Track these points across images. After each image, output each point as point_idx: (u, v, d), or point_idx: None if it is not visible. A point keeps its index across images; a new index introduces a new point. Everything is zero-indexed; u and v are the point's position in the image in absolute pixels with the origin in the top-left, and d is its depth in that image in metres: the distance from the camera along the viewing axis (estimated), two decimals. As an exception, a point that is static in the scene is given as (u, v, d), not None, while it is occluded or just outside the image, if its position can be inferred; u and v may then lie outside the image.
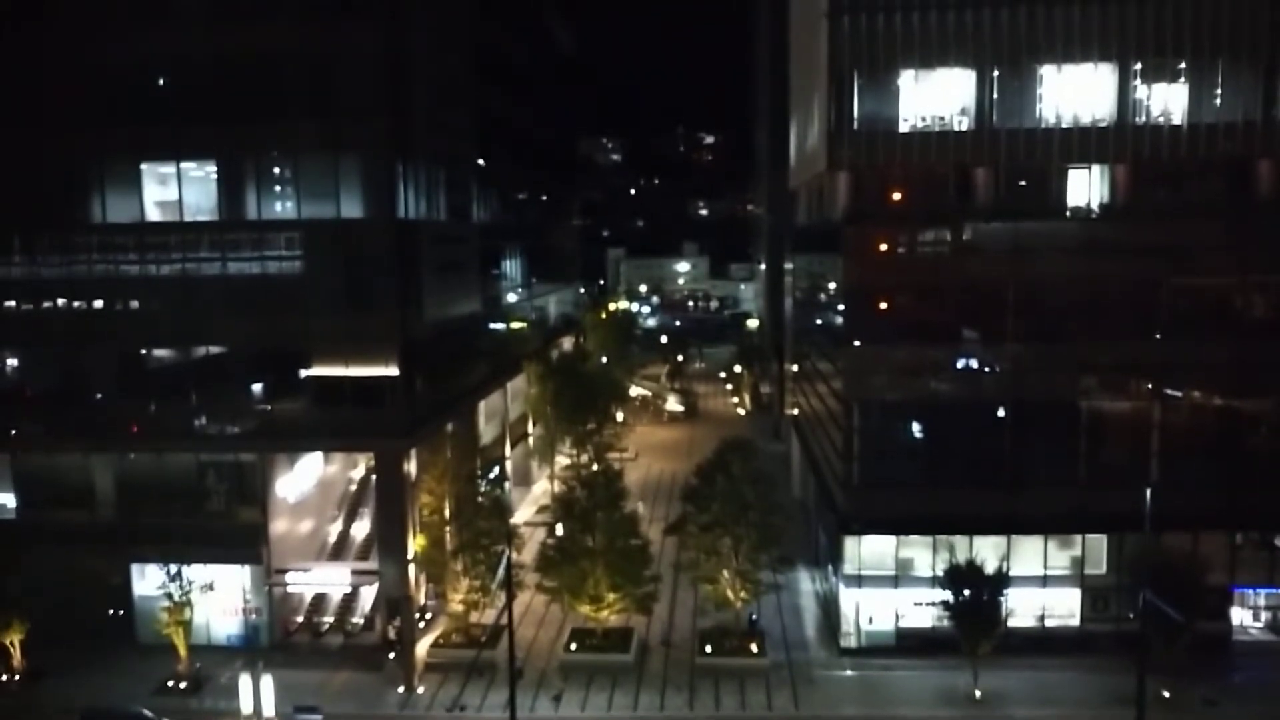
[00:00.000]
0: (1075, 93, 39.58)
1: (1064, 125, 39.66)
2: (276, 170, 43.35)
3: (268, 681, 37.51)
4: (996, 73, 39.52)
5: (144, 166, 43.55)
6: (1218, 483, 39.99)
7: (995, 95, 39.61)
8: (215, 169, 43.20)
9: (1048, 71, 39.55)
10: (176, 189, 43.47)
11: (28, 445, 44.53)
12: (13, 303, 45.06)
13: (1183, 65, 39.10)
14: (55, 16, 42.61)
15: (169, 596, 40.90)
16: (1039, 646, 41.01)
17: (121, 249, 44.04)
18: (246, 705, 37.54)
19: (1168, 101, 39.39)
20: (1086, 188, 40.42)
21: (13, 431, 44.28)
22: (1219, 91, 39.15)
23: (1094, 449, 40.94)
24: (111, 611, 44.08)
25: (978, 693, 38.07)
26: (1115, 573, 41.21)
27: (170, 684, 40.10)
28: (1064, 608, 41.77)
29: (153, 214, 43.77)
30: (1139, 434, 40.89)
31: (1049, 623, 41.76)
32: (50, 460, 44.93)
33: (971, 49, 39.47)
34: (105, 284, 44.20)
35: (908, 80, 40.08)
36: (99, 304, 44.60)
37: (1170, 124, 39.33)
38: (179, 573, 41.02)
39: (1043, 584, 41.58)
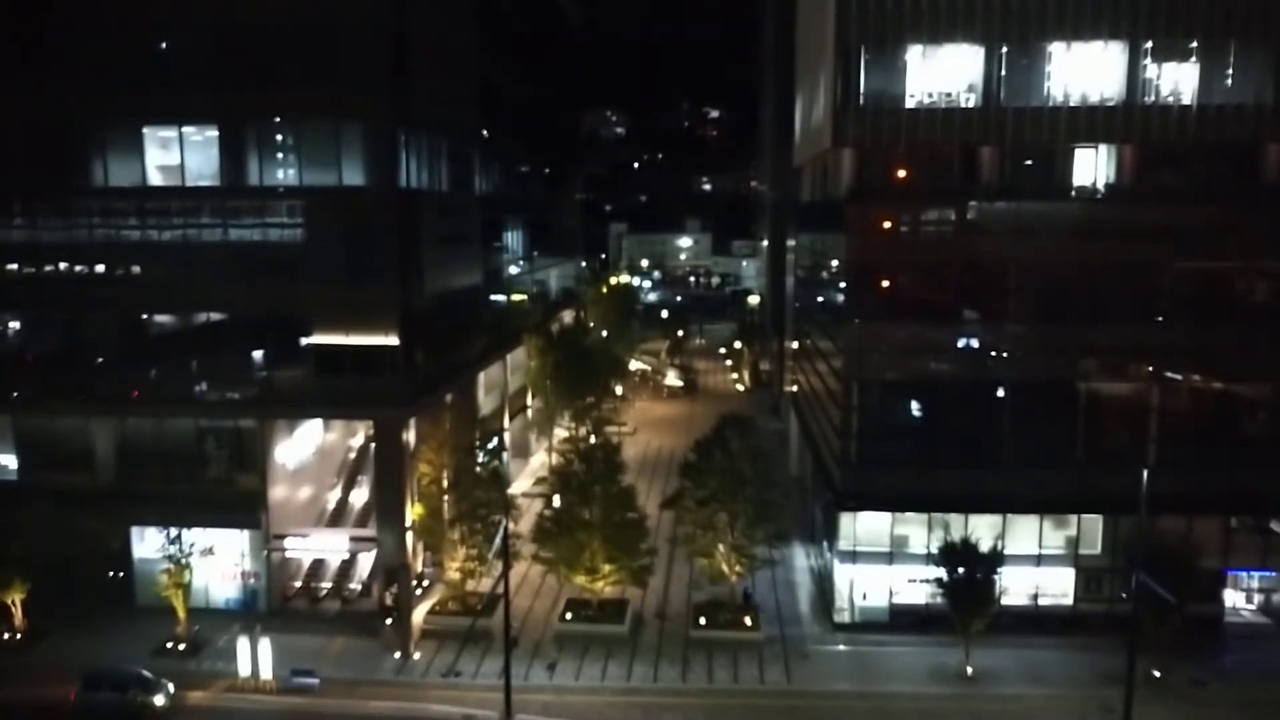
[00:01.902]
0: (1084, 71, 39.34)
1: (1072, 104, 39.44)
2: (279, 137, 43.17)
3: (265, 645, 37.91)
4: (1005, 50, 39.25)
5: (146, 130, 43.38)
6: (1215, 466, 40.10)
7: (1003, 73, 39.37)
8: (217, 134, 43.01)
9: (1057, 49, 39.29)
10: (178, 153, 43.32)
11: (29, 408, 44.62)
12: (14, 266, 45.03)
13: (1194, 45, 38.82)
14: (58, -23, 42.30)
15: (169, 560, 41.13)
16: (1032, 625, 41.31)
17: (123, 213, 43.96)
18: (244, 668, 37.97)
19: (1178, 82, 39.15)
20: (1092, 168, 40.27)
21: (14, 394, 44.36)
22: (1230, 73, 38.90)
23: (1092, 431, 41.03)
24: (111, 574, 44.37)
25: (969, 670, 38.40)
26: (1110, 554, 41.43)
27: (169, 646, 40.45)
28: (1057, 587, 42.04)
29: (154, 178, 43.66)
30: (1137, 416, 40.97)
31: (1042, 602, 42.03)
32: (51, 423, 45.07)
33: (980, 25, 39.18)
34: (107, 248, 44.14)
35: (915, 56, 39.83)
36: (100, 269, 44.57)
37: (1180, 105, 39.11)
38: (178, 536, 41.24)
39: (1037, 563, 41.82)
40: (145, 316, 45.38)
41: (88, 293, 44.31)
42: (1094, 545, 41.82)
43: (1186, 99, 39.20)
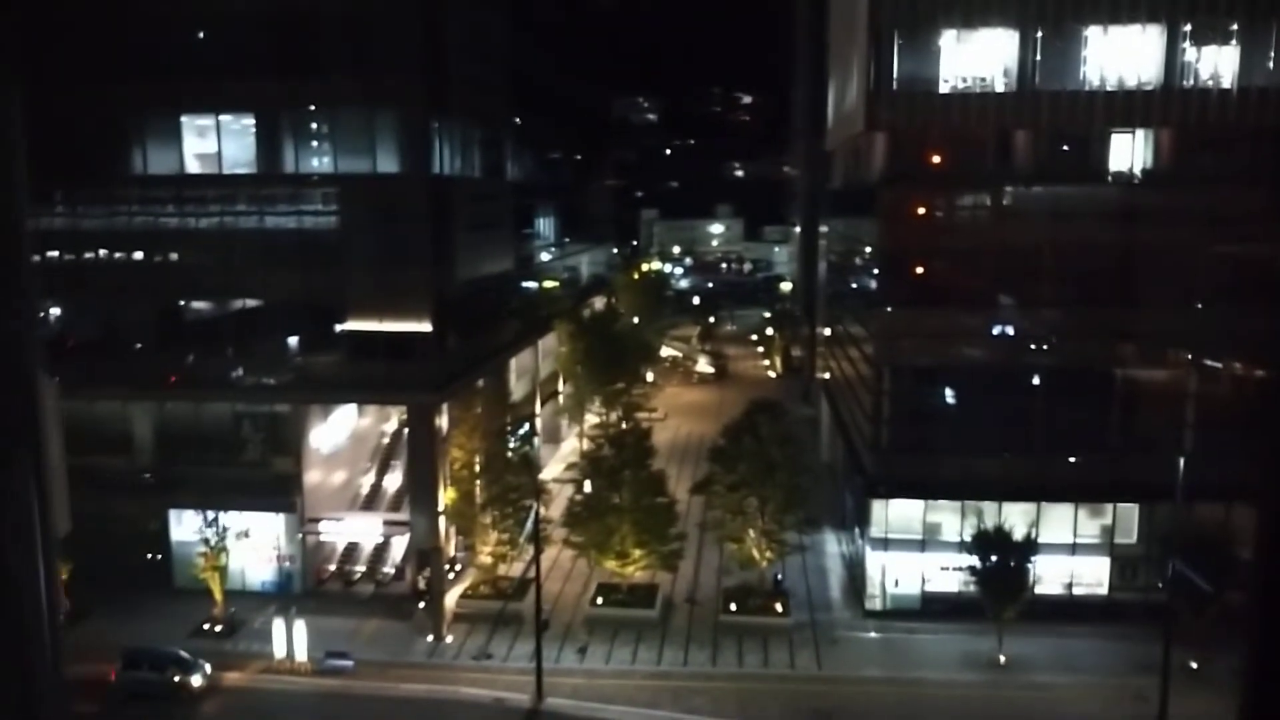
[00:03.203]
0: (1121, 55, 38.71)
1: (1108, 88, 38.84)
2: (314, 125, 43.60)
3: (300, 627, 38.44)
4: (1040, 33, 38.71)
5: (184, 119, 43.95)
6: (1252, 454, 39.38)
7: (1038, 56, 38.83)
8: (254, 123, 43.48)
9: (1093, 32, 38.68)
10: (216, 142, 43.86)
11: (69, 393, 45.33)
12: (55, 253, 45.83)
13: (1235, 27, 38.06)
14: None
15: (205, 543, 41.79)
16: (1065, 614, 40.89)
17: (161, 201, 44.60)
18: (280, 650, 38.53)
19: (1218, 65, 38.43)
20: (1129, 152, 39.68)
21: (55, 379, 45.08)
22: (1272, 55, 38.09)
23: (1127, 417, 40.54)
24: (149, 556, 45.17)
25: (1002, 658, 38.17)
26: (1145, 542, 40.96)
27: (206, 627, 41.16)
28: (1092, 576, 41.62)
29: (192, 166, 44.24)
30: (1174, 403, 40.41)
31: (1076, 590, 41.64)
32: (91, 408, 45.84)
33: (1014, 8, 38.66)
34: (145, 236, 44.82)
35: (949, 40, 39.39)
36: (139, 256, 45.25)
37: (1219, 88, 38.38)
38: (215, 520, 41.89)
39: (1071, 552, 41.42)
40: (183, 303, 46.04)
41: (126, 279, 45.00)
42: (1129, 533, 41.35)
43: (1226, 82, 38.44)
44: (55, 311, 47.05)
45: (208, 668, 37.38)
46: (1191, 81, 38.53)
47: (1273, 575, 3.20)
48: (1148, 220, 39.34)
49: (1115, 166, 39.90)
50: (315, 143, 43.63)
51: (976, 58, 39.31)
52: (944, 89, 39.57)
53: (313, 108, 43.29)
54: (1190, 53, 38.39)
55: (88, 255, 45.65)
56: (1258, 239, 39.36)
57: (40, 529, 4.03)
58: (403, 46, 41.82)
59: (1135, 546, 41.24)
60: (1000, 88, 39.25)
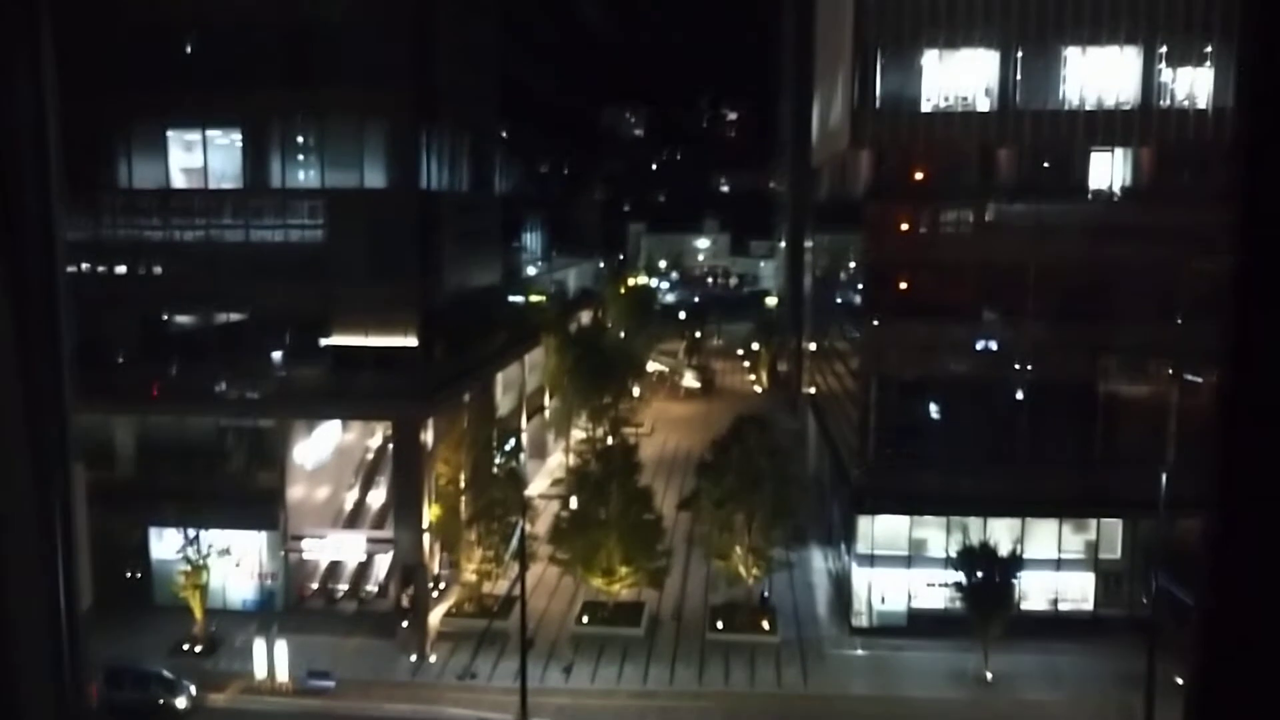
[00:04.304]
0: (1100, 75, 39.10)
1: (1088, 107, 39.21)
2: (301, 139, 43.48)
3: (282, 646, 38.07)
4: (1020, 53, 39.06)
5: (170, 133, 43.75)
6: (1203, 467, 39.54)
7: (1019, 75, 39.18)
8: (240, 136, 43.34)
9: (1072, 53, 39.05)
10: (202, 156, 43.68)
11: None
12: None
13: (1209, 49, 38.47)
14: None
15: (187, 560, 41.38)
16: (1051, 630, 40.89)
17: (146, 213, 44.36)
18: (261, 668, 38.13)
19: (1193, 84, 38.83)
20: (1109, 169, 40.02)
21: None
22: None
23: (1111, 431, 40.73)
24: (129, 573, 44.67)
25: (988, 674, 38.15)
26: (1130, 557, 41.10)
27: (186, 646, 40.65)
28: (1077, 591, 41.74)
29: (178, 180, 44.06)
30: (1157, 417, 40.62)
31: (1062, 606, 41.74)
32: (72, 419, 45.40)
33: (996, 29, 39.01)
34: (129, 248, 44.53)
35: (932, 59, 39.70)
36: (122, 268, 44.97)
37: (1195, 108, 38.78)
38: (197, 537, 41.50)
39: (1056, 567, 41.54)
40: (167, 315, 45.74)
41: (110, 292, 44.67)
42: (1114, 549, 41.52)
43: (1201, 102, 38.83)
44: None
45: (193, 689, 36.85)
46: (1168, 101, 38.91)
47: (1221, 588, 3.16)
48: (1127, 236, 39.64)
49: (1095, 184, 40.21)
50: (302, 156, 43.53)
51: (959, 77, 39.65)
52: (927, 107, 39.86)
53: (300, 121, 43.19)
54: (1166, 73, 38.78)
55: (70, 267, 45.24)
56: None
57: (65, 600, 3.87)
58: (391, 60, 41.78)
59: (1120, 561, 41.40)
60: (982, 106, 39.56)
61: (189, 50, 43.33)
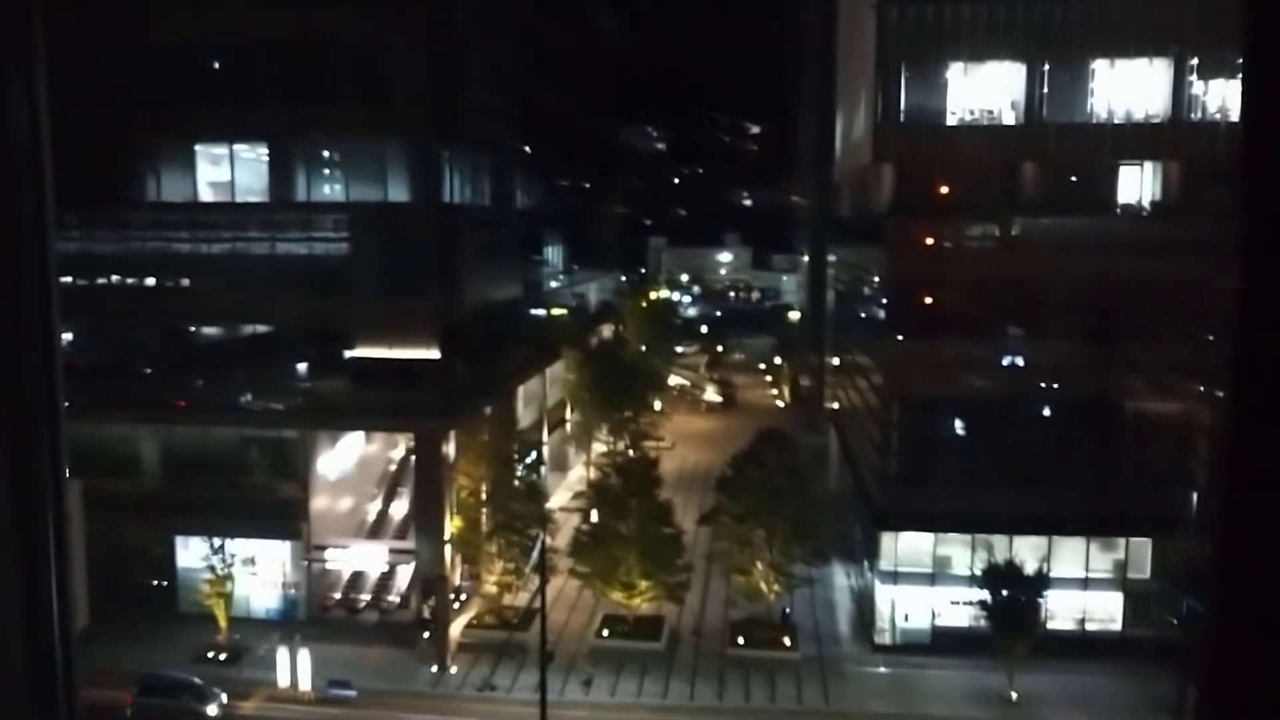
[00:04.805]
0: (1129, 87, 38.82)
1: (1116, 121, 38.92)
2: (325, 154, 43.93)
3: (304, 655, 38.21)
4: (1047, 66, 38.86)
5: (198, 148, 44.31)
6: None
7: (1045, 89, 38.96)
8: (267, 152, 43.82)
9: (1100, 66, 38.82)
10: (229, 170, 44.22)
11: (78, 415, 45.49)
12: (68, 277, 46.06)
13: (1241, 61, 38.09)
14: (113, -2, 43.42)
15: (211, 569, 41.66)
16: (1078, 650, 40.36)
17: (174, 227, 44.90)
18: (283, 678, 38.28)
19: (1225, 97, 38.48)
20: (1138, 183, 39.68)
21: (65, 402, 45.23)
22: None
23: (1139, 450, 40.25)
24: (155, 582, 45.02)
25: (1013, 695, 37.66)
26: (1159, 577, 40.50)
27: (210, 654, 40.93)
28: (1104, 611, 41.16)
29: (205, 194, 44.57)
30: (1186, 435, 40.13)
31: (1089, 626, 41.17)
32: (100, 430, 45.90)
33: (1022, 41, 38.84)
34: (157, 261, 45.05)
35: (956, 73, 39.57)
36: (150, 281, 45.49)
37: (1227, 120, 38.41)
38: (222, 546, 41.78)
39: (1084, 586, 40.97)
40: (193, 328, 46.21)
41: (137, 304, 45.23)
42: (1143, 568, 40.92)
43: (1234, 115, 38.44)
44: (67, 336, 47.24)
45: (224, 697, 37.07)
46: (1199, 114, 38.57)
47: (1228, 606, 3.11)
48: (1156, 251, 39.20)
49: (1124, 198, 39.86)
50: (327, 171, 44.00)
51: (984, 90, 39.49)
52: (951, 121, 39.71)
53: (325, 137, 43.64)
54: (1198, 85, 38.45)
55: (99, 280, 45.90)
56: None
57: (59, 614, 3.80)
58: (414, 76, 42.20)
59: (1149, 581, 40.76)
60: (1008, 120, 39.37)
61: (218, 68, 43.95)
